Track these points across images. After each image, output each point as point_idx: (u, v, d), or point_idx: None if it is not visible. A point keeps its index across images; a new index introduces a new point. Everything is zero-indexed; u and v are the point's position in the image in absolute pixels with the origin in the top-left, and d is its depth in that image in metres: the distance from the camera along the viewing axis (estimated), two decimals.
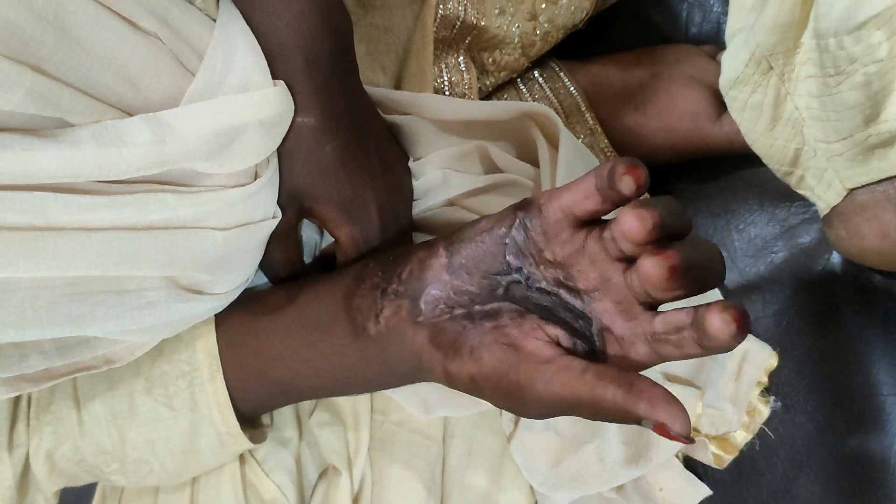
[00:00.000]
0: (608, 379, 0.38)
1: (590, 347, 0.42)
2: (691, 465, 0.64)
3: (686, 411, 0.36)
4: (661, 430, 0.36)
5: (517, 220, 0.44)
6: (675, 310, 0.40)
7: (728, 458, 0.62)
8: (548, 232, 0.43)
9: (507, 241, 0.44)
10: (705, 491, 0.62)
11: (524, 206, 0.44)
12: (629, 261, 0.42)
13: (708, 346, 0.38)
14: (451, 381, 0.44)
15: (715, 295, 0.61)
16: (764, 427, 0.62)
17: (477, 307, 0.44)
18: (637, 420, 0.37)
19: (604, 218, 0.44)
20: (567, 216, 0.43)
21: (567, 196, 0.42)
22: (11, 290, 0.39)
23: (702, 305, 0.37)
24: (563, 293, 0.43)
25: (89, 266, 0.40)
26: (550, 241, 0.43)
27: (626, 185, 0.39)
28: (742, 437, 0.62)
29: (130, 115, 0.42)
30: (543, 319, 0.43)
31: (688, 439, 0.36)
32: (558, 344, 0.42)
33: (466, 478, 0.60)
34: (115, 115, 0.41)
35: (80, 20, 0.39)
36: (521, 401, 0.41)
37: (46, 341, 0.44)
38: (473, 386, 0.43)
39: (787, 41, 0.52)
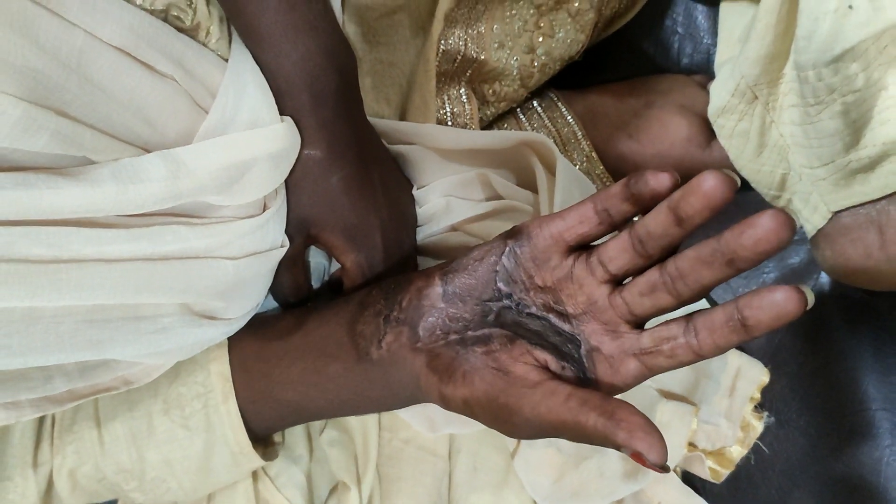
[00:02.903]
0: (590, 406, 0.39)
1: (579, 370, 0.43)
2: (689, 479, 0.64)
3: (664, 442, 0.37)
4: (639, 458, 0.37)
5: (507, 248, 0.46)
6: (663, 324, 0.42)
7: (724, 472, 0.63)
8: (537, 258, 0.45)
9: (497, 268, 0.46)
10: None
11: (514, 234, 0.46)
12: (614, 283, 0.44)
13: (757, 328, 0.38)
14: (446, 404, 0.45)
15: (702, 305, 0.62)
16: (758, 442, 0.63)
17: (470, 333, 0.46)
18: (617, 447, 0.38)
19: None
20: (557, 242, 0.45)
21: (559, 223, 0.44)
22: (37, 318, 0.41)
23: (745, 295, 0.38)
24: (552, 317, 0.45)
25: (109, 295, 0.42)
26: (540, 267, 0.45)
27: (662, 180, 0.40)
28: (737, 452, 0.63)
29: (148, 151, 0.44)
30: (532, 344, 0.44)
31: (662, 469, 0.37)
32: (547, 368, 0.43)
33: (472, 493, 0.61)
34: (133, 153, 0.43)
35: (102, 67, 0.41)
36: (511, 423, 0.42)
37: (70, 364, 0.46)
38: (466, 408, 0.44)
39: (770, 72, 0.54)
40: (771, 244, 0.37)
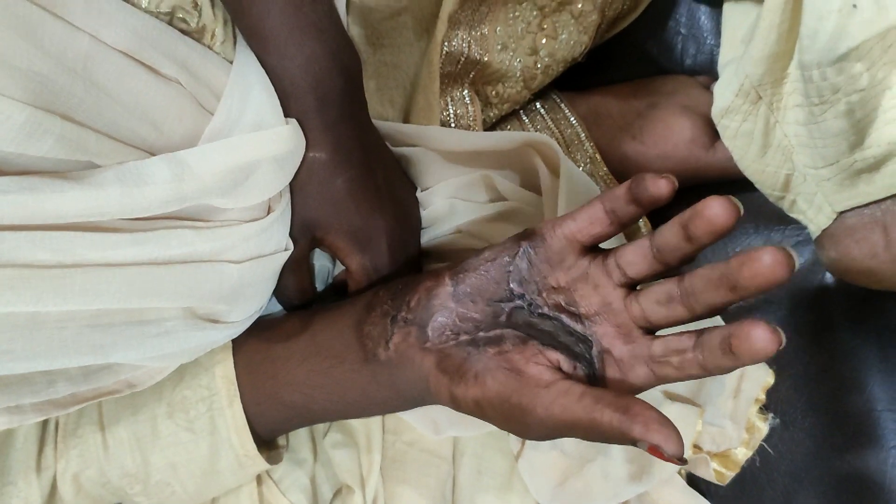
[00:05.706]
0: (605, 403, 0.39)
1: (590, 370, 0.43)
2: (694, 481, 0.64)
3: (679, 434, 0.37)
4: (655, 451, 0.37)
5: (521, 249, 0.46)
6: (677, 334, 0.42)
7: (729, 474, 0.62)
8: (551, 259, 0.45)
9: (510, 269, 0.46)
10: None
11: (528, 235, 0.46)
12: (629, 287, 0.44)
13: (740, 357, 0.38)
14: (457, 405, 0.45)
15: (716, 321, 0.62)
16: (764, 444, 0.63)
17: (481, 333, 0.46)
18: (633, 442, 0.38)
19: (603, 246, 0.46)
20: (571, 243, 0.45)
21: (571, 224, 0.45)
22: (41, 323, 0.41)
23: (736, 323, 0.38)
24: (564, 318, 0.45)
25: (113, 300, 0.42)
26: (554, 267, 0.45)
27: (660, 186, 0.41)
28: (742, 454, 0.62)
29: (153, 154, 0.44)
30: (544, 345, 0.44)
31: (680, 460, 0.37)
32: (559, 368, 0.43)
33: (476, 496, 0.61)
34: (138, 156, 0.43)
35: (107, 71, 0.41)
36: (523, 423, 0.42)
37: (73, 368, 0.46)
38: (478, 409, 0.44)
39: (774, 72, 0.54)
40: (767, 280, 0.37)
